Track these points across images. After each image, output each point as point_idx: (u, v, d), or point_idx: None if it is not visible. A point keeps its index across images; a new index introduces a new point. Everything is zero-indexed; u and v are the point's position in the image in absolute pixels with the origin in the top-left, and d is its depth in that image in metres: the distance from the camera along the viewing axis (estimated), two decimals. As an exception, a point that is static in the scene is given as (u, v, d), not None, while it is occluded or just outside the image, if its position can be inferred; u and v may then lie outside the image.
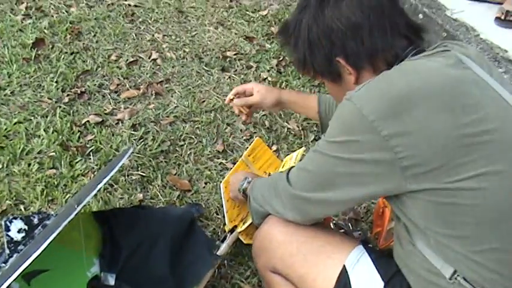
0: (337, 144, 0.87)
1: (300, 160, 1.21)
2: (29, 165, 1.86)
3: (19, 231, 1.26)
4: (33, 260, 0.98)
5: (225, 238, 1.58)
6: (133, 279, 1.32)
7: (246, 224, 1.53)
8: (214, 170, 1.92)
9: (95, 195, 1.78)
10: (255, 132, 2.24)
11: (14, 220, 1.26)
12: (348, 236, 1.11)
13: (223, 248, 1.51)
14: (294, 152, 1.93)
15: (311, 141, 2.26)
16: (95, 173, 1.77)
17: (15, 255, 1.22)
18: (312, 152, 0.95)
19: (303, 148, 1.84)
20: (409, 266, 0.91)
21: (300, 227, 1.06)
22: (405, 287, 0.92)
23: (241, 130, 2.22)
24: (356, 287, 0.96)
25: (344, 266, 0.98)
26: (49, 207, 1.62)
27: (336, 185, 0.89)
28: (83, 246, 1.30)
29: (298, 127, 2.29)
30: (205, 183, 1.86)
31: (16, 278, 0.98)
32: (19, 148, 1.91)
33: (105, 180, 1.22)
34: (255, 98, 1.32)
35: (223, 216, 1.60)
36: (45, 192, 1.69)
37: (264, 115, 2.30)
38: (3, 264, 1.21)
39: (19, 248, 1.24)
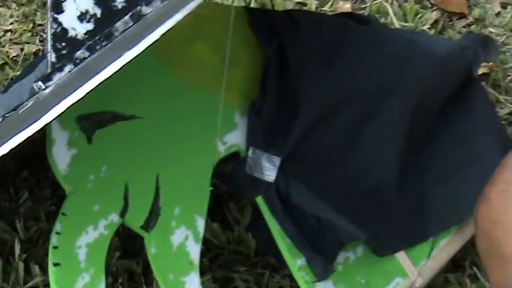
0: None
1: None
2: None
3: (82, 17, 1.14)
4: (103, 86, 0.93)
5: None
6: (319, 178, 1.28)
7: None
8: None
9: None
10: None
11: (71, -6, 1.13)
12: None
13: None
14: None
15: None
16: None
17: (66, 69, 1.11)
18: None
19: None
20: None
21: None
22: None
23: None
24: None
25: None
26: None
27: None
28: (222, 82, 1.20)
29: None
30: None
31: (61, 115, 0.92)
32: None
33: None
34: None
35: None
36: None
37: None
38: (41, 85, 1.10)
39: (78, 54, 1.12)
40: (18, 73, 1.48)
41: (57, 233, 1.10)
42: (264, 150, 1.23)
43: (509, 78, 1.66)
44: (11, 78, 1.52)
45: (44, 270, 1.21)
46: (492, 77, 1.63)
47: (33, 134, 0.92)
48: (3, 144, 0.93)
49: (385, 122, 1.30)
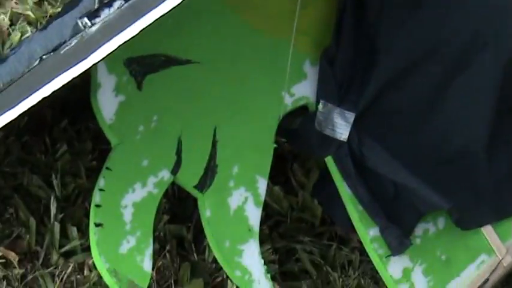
0: None
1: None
2: None
3: None
4: (156, 25, 0.93)
5: None
6: (398, 138, 1.25)
7: None
8: None
9: None
10: None
11: None
12: None
13: None
14: None
15: None
16: None
17: (115, 4, 1.05)
18: None
19: None
20: None
21: None
22: None
23: None
24: None
25: None
26: None
27: None
28: (293, 28, 1.19)
29: None
30: None
31: (108, 56, 0.93)
32: None
33: None
34: None
35: None
36: None
37: None
38: (87, 21, 1.05)
39: (128, -14, 1.14)
40: (59, 10, 1.40)
41: (101, 190, 1.07)
42: (337, 105, 1.20)
43: None
44: (50, 16, 1.47)
45: (83, 233, 1.18)
46: None
47: (77, 76, 0.90)
48: (42, 86, 0.90)
49: (475, 76, 1.24)
